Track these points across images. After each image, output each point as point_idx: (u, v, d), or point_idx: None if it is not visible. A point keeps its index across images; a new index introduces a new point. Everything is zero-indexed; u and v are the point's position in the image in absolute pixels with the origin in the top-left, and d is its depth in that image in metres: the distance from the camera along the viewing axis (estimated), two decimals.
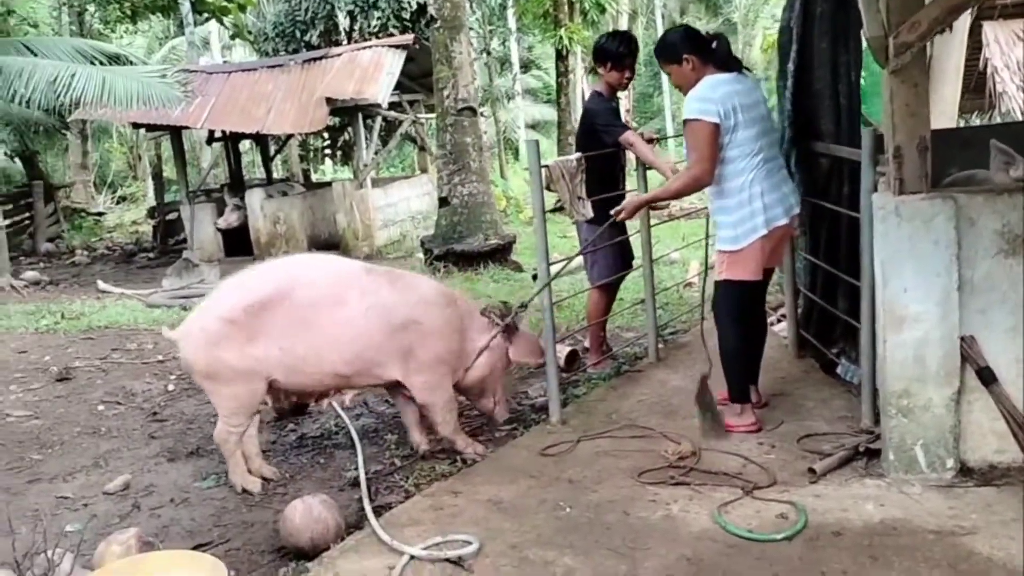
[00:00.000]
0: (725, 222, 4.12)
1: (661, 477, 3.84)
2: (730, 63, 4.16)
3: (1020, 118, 9.43)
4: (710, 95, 3.98)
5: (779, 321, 6.00)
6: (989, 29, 9.97)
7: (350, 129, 17.97)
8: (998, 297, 3.47)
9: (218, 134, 15.25)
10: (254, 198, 13.55)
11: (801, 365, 5.12)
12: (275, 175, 17.63)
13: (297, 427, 5.20)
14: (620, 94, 5.55)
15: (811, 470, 3.74)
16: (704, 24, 30.84)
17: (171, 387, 6.28)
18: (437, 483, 4.07)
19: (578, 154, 4.83)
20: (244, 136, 15.08)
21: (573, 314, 7.02)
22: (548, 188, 4.60)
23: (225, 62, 24.48)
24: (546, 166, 4.60)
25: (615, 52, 5.22)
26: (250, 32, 22.64)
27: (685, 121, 4.03)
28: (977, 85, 10.26)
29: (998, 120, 10.70)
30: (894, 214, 3.49)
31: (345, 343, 4.13)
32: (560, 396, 4.66)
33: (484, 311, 4.47)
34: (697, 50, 4.11)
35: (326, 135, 18.85)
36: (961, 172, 4.43)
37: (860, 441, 3.91)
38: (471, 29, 12.19)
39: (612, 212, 4.42)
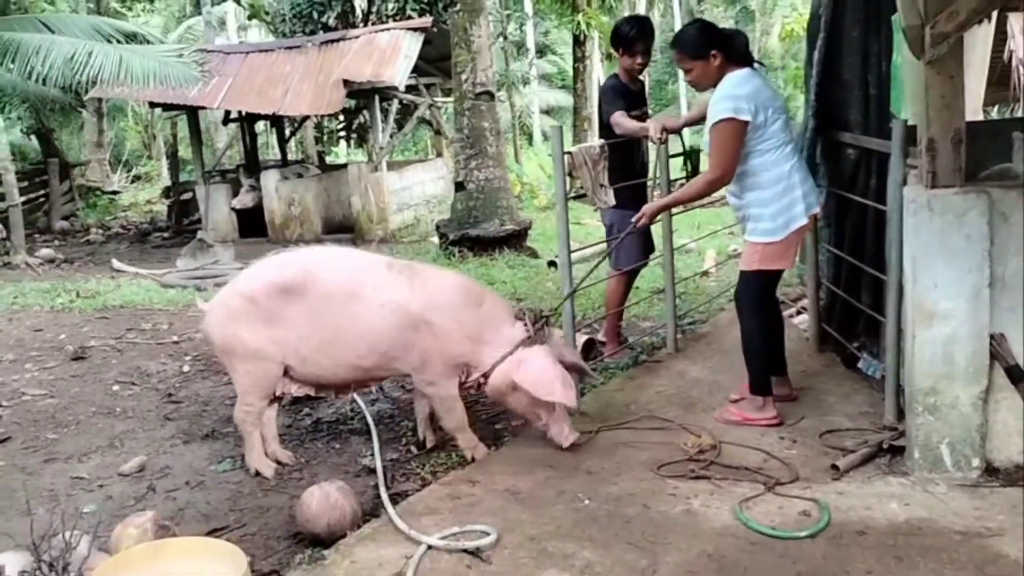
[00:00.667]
0: (762, 214, 4.08)
1: (681, 470, 3.80)
2: (749, 60, 4.14)
3: None
4: (739, 92, 3.94)
5: (798, 313, 5.94)
6: (1015, 20, 9.79)
7: (366, 112, 17.93)
8: None
9: (234, 115, 15.22)
10: (269, 179, 13.54)
11: (822, 359, 5.06)
12: (290, 157, 17.59)
13: (312, 411, 5.17)
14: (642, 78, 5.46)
15: (834, 467, 3.70)
16: (722, 12, 30.71)
17: (186, 368, 6.26)
18: (454, 472, 4.04)
19: (600, 141, 4.78)
20: (260, 117, 15.03)
21: (589, 302, 6.96)
22: (570, 175, 4.54)
23: (241, 42, 24.42)
24: (569, 153, 4.54)
25: (626, 36, 5.20)
26: (267, 13, 22.58)
27: (716, 121, 3.96)
28: (1001, 77, 10.10)
29: (1020, 114, 10.56)
30: (926, 208, 3.42)
31: (356, 338, 4.07)
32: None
33: (518, 315, 4.21)
34: (721, 45, 4.06)
35: (341, 117, 18.79)
36: (995, 167, 4.35)
37: (883, 438, 3.86)
38: (489, 13, 12.08)
39: (632, 220, 4.37)
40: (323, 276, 4.10)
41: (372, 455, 4.33)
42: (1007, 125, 6.44)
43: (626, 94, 5.23)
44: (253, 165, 15.21)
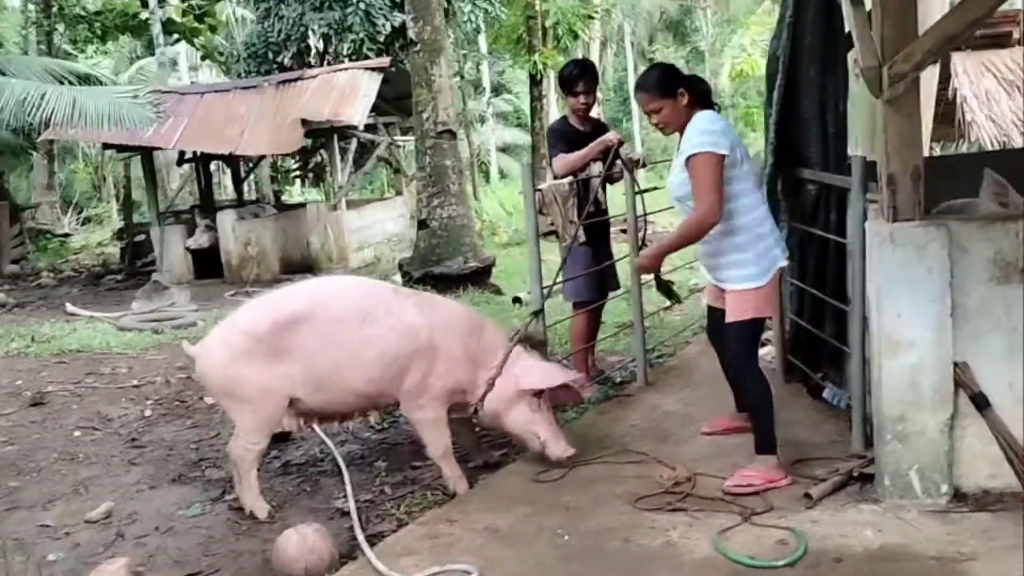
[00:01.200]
0: (742, 260, 3.95)
1: (658, 503, 3.83)
2: (709, 102, 4.11)
3: (989, 147, 9.62)
4: (714, 128, 3.87)
5: (762, 346, 6.03)
6: (958, 60, 10.20)
7: (322, 151, 17.97)
8: (991, 324, 3.51)
9: (189, 155, 15.15)
10: (226, 219, 13.46)
11: (789, 390, 5.14)
12: (245, 197, 17.51)
13: (281, 454, 5.12)
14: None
15: (807, 495, 3.75)
16: (673, 52, 31.30)
17: (148, 412, 6.17)
18: (431, 511, 4.03)
19: (570, 178, 4.85)
20: (215, 157, 14.99)
21: (557, 338, 7.00)
22: (541, 212, 4.60)
23: (193, 83, 24.39)
24: (539, 190, 4.61)
25: (568, 77, 5.36)
26: (221, 54, 22.59)
27: (692, 156, 3.82)
28: (945, 115, 10.45)
29: (964, 149, 10.93)
30: (889, 241, 3.53)
31: (369, 361, 4.09)
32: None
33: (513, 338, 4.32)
34: (686, 85, 3.99)
35: (297, 157, 18.79)
36: (955, 201, 4.50)
37: (853, 466, 3.93)
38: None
39: (634, 263, 4.31)
40: (333, 301, 4.15)
41: (345, 496, 4.29)
42: (957, 161, 6.67)
43: (571, 136, 5.32)
44: (208, 206, 15.12)
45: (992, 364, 3.52)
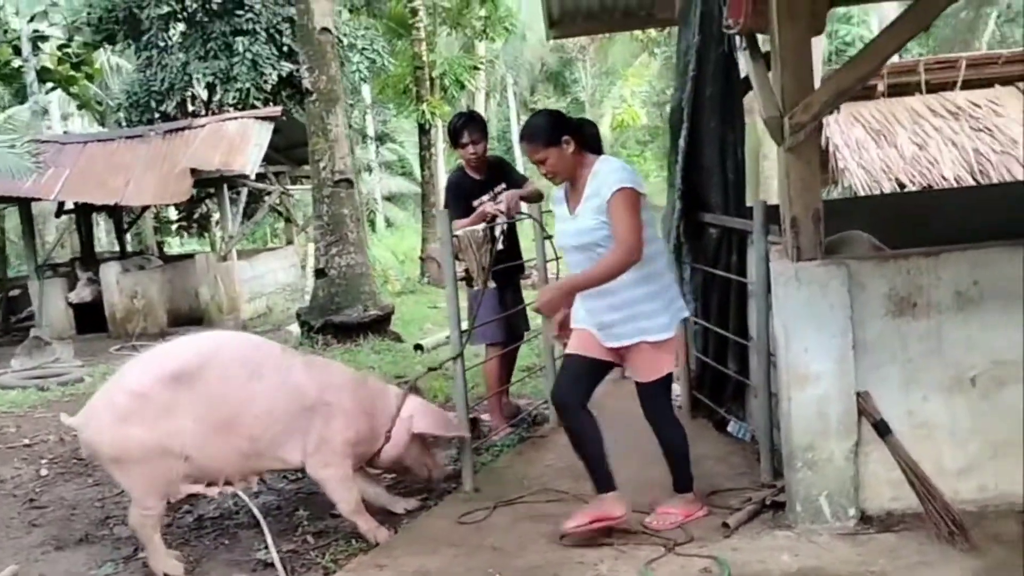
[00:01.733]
0: (654, 309, 3.83)
1: (584, 539, 3.91)
2: (599, 150, 4.02)
3: (860, 193, 10.25)
4: (628, 168, 3.83)
5: None
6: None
7: (207, 201, 17.64)
8: (888, 355, 3.77)
9: (69, 206, 14.63)
10: (110, 272, 13.05)
11: (696, 425, 5.32)
12: (128, 248, 16.99)
13: (193, 508, 4.99)
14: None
15: (725, 524, 3.91)
16: (554, 102, 32.05)
17: (44, 472, 5.91)
18: (357, 558, 4.01)
19: (483, 224, 4.96)
20: (97, 209, 14.53)
21: (471, 382, 7.05)
22: (456, 257, 4.68)
23: (65, 132, 23.60)
24: (456, 236, 4.70)
25: (453, 129, 5.50)
26: (99, 103, 21.98)
27: (619, 190, 3.66)
28: (820, 162, 11.08)
29: (836, 194, 11.59)
30: (794, 279, 3.75)
31: (255, 417, 3.99)
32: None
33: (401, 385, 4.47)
34: (572, 132, 3.84)
35: (180, 207, 18.37)
36: (845, 232, 4.81)
37: (765, 495, 4.11)
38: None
39: (534, 306, 4.06)
40: (221, 357, 4.02)
41: (266, 548, 4.23)
42: (838, 204, 7.10)
43: (467, 186, 5.50)
44: (90, 258, 14.62)
45: (891, 393, 3.77)
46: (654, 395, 4.00)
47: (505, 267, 5.41)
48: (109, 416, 3.89)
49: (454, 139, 5.50)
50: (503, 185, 5.50)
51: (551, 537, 3.97)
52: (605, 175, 3.77)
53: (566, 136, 3.80)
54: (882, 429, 3.76)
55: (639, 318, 3.83)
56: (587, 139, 3.94)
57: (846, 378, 3.75)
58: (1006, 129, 10.84)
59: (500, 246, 5.32)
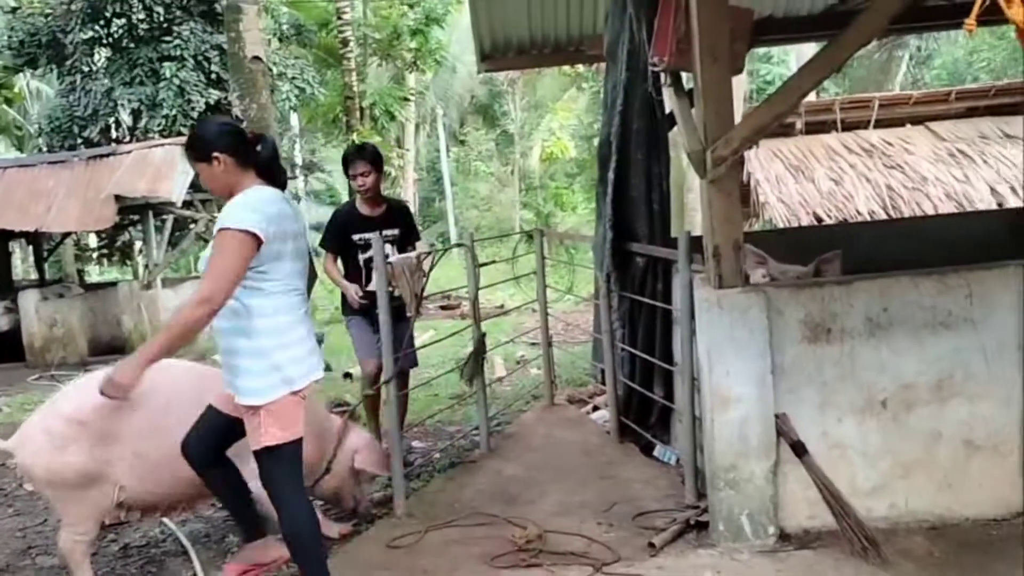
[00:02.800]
0: (256, 368, 3.29)
1: (513, 561, 3.98)
2: (276, 174, 3.50)
3: (780, 225, 10.60)
4: (265, 209, 3.27)
5: (595, 410, 6.38)
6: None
7: (130, 229, 17.32)
8: (805, 379, 3.94)
9: None
10: (28, 300, 12.72)
11: (622, 449, 5.45)
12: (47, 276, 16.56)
13: (118, 536, 4.92)
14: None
15: (651, 544, 4.01)
16: (484, 134, 32.33)
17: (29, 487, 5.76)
18: None
19: (417, 252, 5.04)
20: (15, 235, 14.17)
21: (420, 406, 7.09)
22: (389, 284, 4.73)
23: None
24: (390, 263, 4.76)
25: (344, 159, 5.56)
26: (18, 128, 21.49)
27: (225, 228, 3.21)
28: (742, 196, 11.44)
29: (758, 227, 11.97)
30: (716, 306, 3.91)
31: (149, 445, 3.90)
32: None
33: (334, 409, 4.48)
34: (233, 150, 3.35)
35: (102, 235, 18.02)
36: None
37: (689, 515, 4.24)
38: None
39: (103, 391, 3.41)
40: (162, 386, 3.90)
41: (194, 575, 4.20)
42: (759, 235, 7.35)
43: (350, 220, 5.53)
44: (7, 285, 14.24)
45: (808, 415, 3.94)
46: (263, 467, 3.40)
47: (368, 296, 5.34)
48: (44, 441, 3.86)
49: (346, 167, 5.51)
50: (396, 231, 5.52)
51: (482, 559, 4.03)
52: (232, 205, 3.31)
53: (217, 154, 3.33)
54: (799, 450, 3.93)
55: (234, 373, 3.35)
56: (261, 159, 3.44)
57: (765, 400, 3.90)
58: (916, 166, 11.36)
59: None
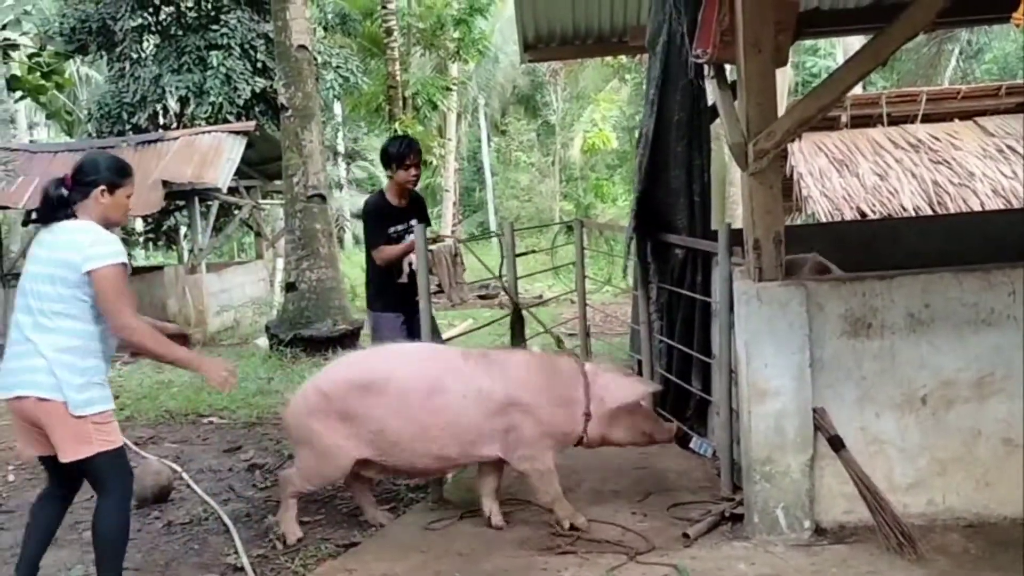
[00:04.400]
0: (84, 383, 3.48)
1: (549, 545, 4.03)
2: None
3: (823, 220, 10.51)
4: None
5: None
6: (794, 140, 11.13)
7: (176, 214, 17.59)
8: (843, 373, 3.94)
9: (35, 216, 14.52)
10: None
11: None
12: None
13: (162, 514, 5.03)
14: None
15: (685, 535, 4.04)
16: (525, 124, 32.34)
17: (11, 478, 5.91)
18: (327, 562, 4.09)
19: (453, 239, 5.09)
20: None
21: None
22: (431, 272, 4.79)
23: (32, 141, 23.44)
24: (431, 250, 4.82)
25: (398, 153, 5.48)
26: (68, 112, 21.88)
27: (110, 265, 3.44)
28: (784, 190, 11.36)
29: (800, 221, 11.87)
30: (756, 299, 3.92)
31: (439, 430, 4.15)
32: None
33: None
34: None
35: (149, 219, 18.31)
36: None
37: (724, 507, 4.26)
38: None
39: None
40: (400, 373, 4.21)
41: (236, 553, 4.30)
42: (801, 230, 7.31)
43: (388, 213, 5.52)
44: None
45: (845, 409, 3.94)
46: (104, 470, 3.59)
47: (404, 291, 5.40)
48: (300, 405, 4.30)
49: (399, 161, 5.46)
50: (415, 221, 5.46)
51: (516, 543, 4.09)
52: (104, 243, 3.52)
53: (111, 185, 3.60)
54: (836, 444, 3.92)
55: (69, 386, 3.50)
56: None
57: (803, 394, 3.91)
58: (963, 162, 11.19)
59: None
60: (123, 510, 3.65)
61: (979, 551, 3.71)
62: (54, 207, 3.55)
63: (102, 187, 3.57)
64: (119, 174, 3.65)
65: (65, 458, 3.51)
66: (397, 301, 5.40)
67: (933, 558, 3.67)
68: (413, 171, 5.51)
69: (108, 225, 3.63)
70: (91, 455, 3.50)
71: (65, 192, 3.56)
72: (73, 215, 3.55)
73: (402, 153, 5.48)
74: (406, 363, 4.32)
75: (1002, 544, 3.75)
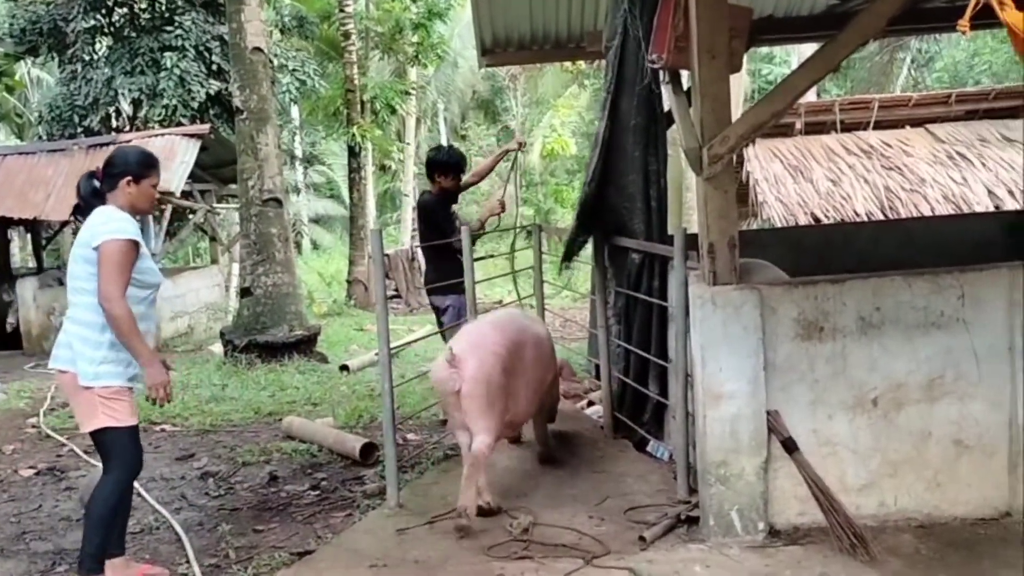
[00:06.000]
0: (97, 357, 3.75)
1: (504, 552, 4.01)
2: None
3: (778, 224, 10.62)
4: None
5: (589, 405, 6.41)
6: (749, 146, 11.24)
7: None
8: (796, 376, 3.97)
9: None
10: (26, 288, 12.73)
11: (617, 445, 5.48)
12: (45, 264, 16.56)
13: None
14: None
15: (641, 538, 4.04)
16: (485, 130, 32.35)
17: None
18: (280, 572, 4.04)
19: (412, 244, 5.06)
20: (13, 223, 14.17)
21: (411, 406, 7.10)
22: (387, 276, 4.76)
23: None
24: (387, 255, 4.78)
25: (444, 162, 6.34)
26: (18, 115, 21.47)
27: (115, 240, 3.68)
28: (740, 195, 11.47)
29: (756, 226, 11.99)
30: (710, 303, 3.94)
31: (539, 376, 4.91)
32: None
33: None
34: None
35: None
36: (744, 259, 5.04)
37: (680, 510, 4.27)
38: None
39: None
40: (525, 329, 4.92)
41: (188, 563, 4.23)
42: (757, 235, 7.37)
43: (446, 205, 6.38)
44: (5, 273, 14.26)
45: (798, 412, 3.97)
46: (111, 444, 3.83)
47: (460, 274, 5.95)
48: (488, 370, 4.47)
49: (444, 169, 6.28)
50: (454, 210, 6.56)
51: (474, 550, 4.06)
52: (112, 220, 3.79)
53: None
54: (790, 446, 3.95)
55: (84, 359, 3.78)
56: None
57: (757, 397, 3.93)
58: (915, 168, 11.37)
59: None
60: (116, 491, 3.81)
61: (930, 552, 3.76)
62: (88, 198, 3.89)
63: (128, 178, 3.86)
64: (144, 166, 3.96)
65: (81, 429, 3.88)
66: (458, 286, 5.95)
67: (885, 559, 3.71)
68: (454, 177, 6.33)
69: (136, 213, 3.93)
70: (97, 428, 3.76)
71: (97, 184, 3.90)
72: (104, 204, 3.86)
73: (448, 164, 6.33)
74: (523, 324, 5.02)
75: (952, 544, 3.80)
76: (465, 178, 6.22)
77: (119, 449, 3.80)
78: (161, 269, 13.35)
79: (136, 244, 3.76)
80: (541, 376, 4.97)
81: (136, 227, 3.82)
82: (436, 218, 6.35)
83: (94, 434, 3.80)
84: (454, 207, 6.57)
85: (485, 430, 4.44)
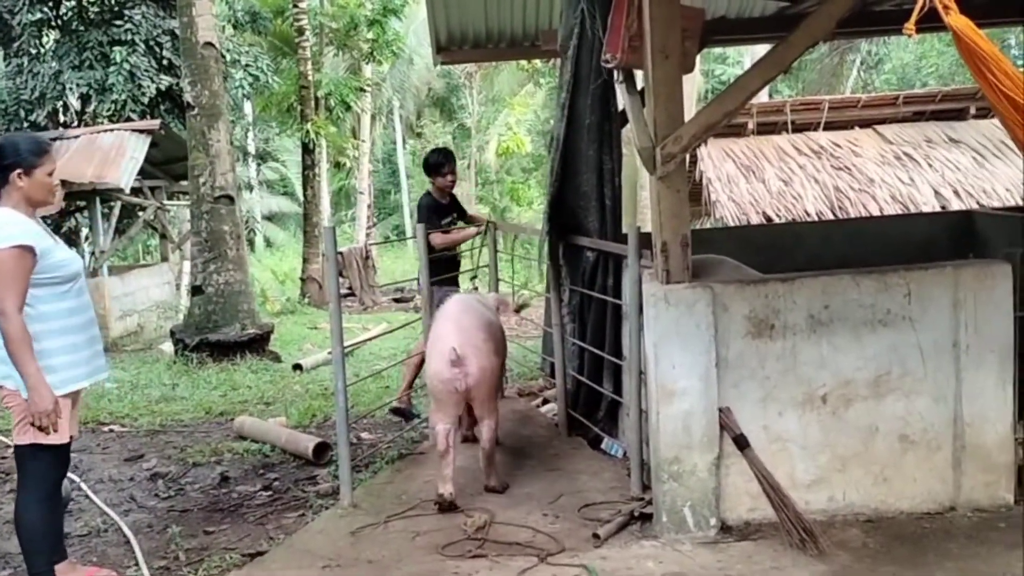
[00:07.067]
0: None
1: (458, 551, 4.01)
2: None
3: (731, 224, 10.73)
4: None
5: (544, 403, 6.43)
6: (703, 145, 11.33)
7: (77, 215, 17.01)
8: (748, 373, 4.02)
9: None
10: None
11: (571, 442, 5.50)
12: None
13: None
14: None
15: (595, 535, 4.06)
16: (440, 128, 32.23)
17: None
18: (232, 572, 4.00)
19: (367, 242, 5.03)
20: None
21: (365, 404, 7.06)
22: (340, 274, 4.73)
23: None
24: (341, 253, 4.75)
25: (438, 163, 6.55)
26: None
27: (3, 249, 3.41)
28: (693, 194, 11.56)
29: (708, 225, 12.10)
30: (663, 300, 3.97)
31: (494, 353, 4.77)
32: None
33: None
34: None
35: (48, 220, 17.65)
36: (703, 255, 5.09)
37: (634, 507, 4.30)
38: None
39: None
40: (486, 316, 4.94)
41: (137, 565, 4.17)
42: (709, 233, 7.44)
43: (438, 208, 6.52)
44: None
45: (749, 409, 4.02)
46: (34, 461, 3.68)
47: (452, 268, 6.44)
48: (487, 361, 4.62)
49: (437, 170, 6.49)
50: (455, 214, 6.71)
51: (427, 549, 4.05)
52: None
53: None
54: (741, 443, 4.00)
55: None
56: None
57: (709, 394, 3.97)
58: (863, 168, 11.55)
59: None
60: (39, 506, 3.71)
61: (878, 545, 3.82)
62: None
63: (19, 170, 3.52)
64: (35, 153, 3.58)
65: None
66: (449, 280, 6.35)
67: (834, 553, 3.76)
68: (450, 178, 6.56)
69: (36, 206, 3.61)
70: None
71: None
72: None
73: (439, 164, 6.52)
74: (483, 306, 5.11)
75: (899, 538, 3.87)
76: (439, 242, 6.23)
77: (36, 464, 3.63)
78: (110, 267, 13.18)
79: (28, 248, 3.43)
80: (503, 356, 5.10)
81: (28, 227, 3.49)
82: (421, 217, 6.52)
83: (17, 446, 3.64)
84: (454, 215, 6.69)
85: (492, 413, 4.74)
